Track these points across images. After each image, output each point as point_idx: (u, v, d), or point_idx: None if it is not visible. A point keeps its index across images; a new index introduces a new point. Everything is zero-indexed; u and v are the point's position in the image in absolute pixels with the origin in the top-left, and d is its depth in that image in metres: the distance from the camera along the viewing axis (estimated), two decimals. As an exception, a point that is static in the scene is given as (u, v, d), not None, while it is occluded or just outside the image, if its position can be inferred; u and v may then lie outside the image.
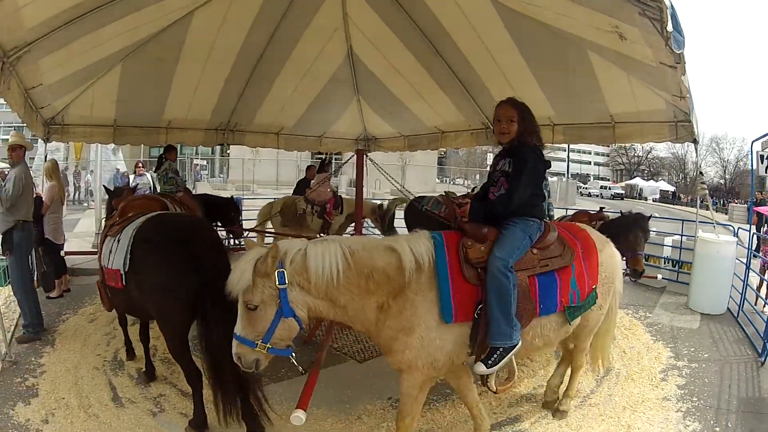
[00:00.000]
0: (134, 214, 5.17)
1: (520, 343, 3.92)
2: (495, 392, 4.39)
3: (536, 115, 8.76)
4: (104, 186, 10.07)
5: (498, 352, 3.87)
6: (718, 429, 4.87)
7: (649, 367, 6.18)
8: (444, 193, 9.38)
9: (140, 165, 14.02)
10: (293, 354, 3.70)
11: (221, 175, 30.25)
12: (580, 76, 7.13)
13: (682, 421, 4.99)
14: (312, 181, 11.55)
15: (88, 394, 5.23)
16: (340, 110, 11.61)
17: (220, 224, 10.46)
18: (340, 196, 11.45)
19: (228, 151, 34.92)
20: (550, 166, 4.52)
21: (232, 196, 11.45)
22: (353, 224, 10.20)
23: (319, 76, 9.83)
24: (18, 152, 6.71)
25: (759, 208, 10.66)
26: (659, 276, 5.71)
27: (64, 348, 6.30)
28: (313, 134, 12.45)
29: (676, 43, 4.07)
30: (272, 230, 10.36)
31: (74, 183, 25.07)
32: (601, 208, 7.21)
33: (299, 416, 3.67)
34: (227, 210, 10.70)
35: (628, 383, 5.80)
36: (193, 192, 10.72)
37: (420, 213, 9.03)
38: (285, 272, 3.45)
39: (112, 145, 13.58)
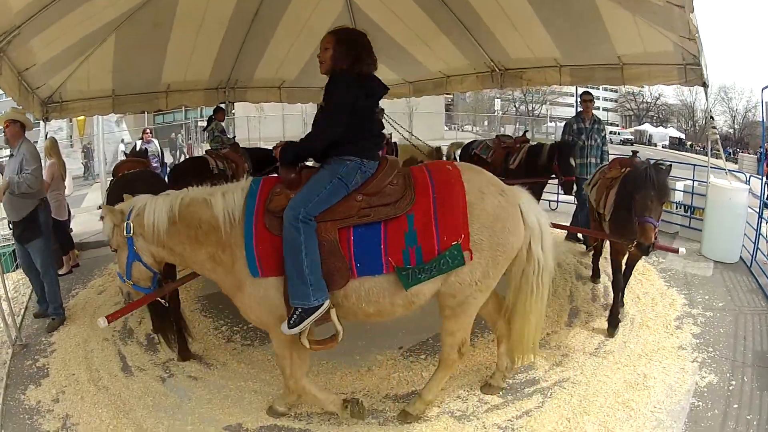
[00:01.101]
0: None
1: (325, 306, 3.56)
2: (310, 348, 3.88)
3: (541, 57, 8.94)
4: (123, 152, 10.08)
5: (297, 313, 3.55)
6: (734, 382, 4.64)
7: (663, 314, 5.99)
8: (497, 137, 9.52)
9: (147, 132, 13.53)
10: (153, 292, 4.09)
11: (227, 136, 30.08)
12: (586, 16, 7.01)
13: (698, 372, 4.79)
14: None
15: (98, 367, 5.18)
16: None
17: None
18: (395, 142, 10.99)
19: (233, 111, 34.78)
20: (379, 92, 3.95)
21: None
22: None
23: (317, 27, 9.21)
24: (12, 128, 6.15)
25: (775, 151, 10.32)
26: (682, 249, 4.95)
27: (74, 323, 6.20)
28: (315, 85, 12.11)
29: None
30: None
31: (85, 159, 24.36)
32: (634, 153, 6.80)
33: (100, 322, 3.79)
34: (272, 160, 10.38)
35: (643, 330, 5.64)
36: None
37: (470, 158, 9.16)
38: (131, 224, 3.81)
39: (115, 117, 13.40)
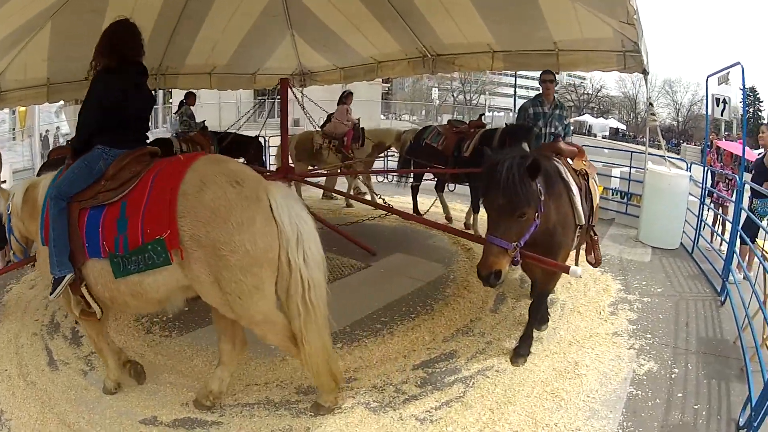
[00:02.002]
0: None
1: (67, 278, 3.61)
2: (78, 318, 3.92)
3: (474, 42, 8.67)
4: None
5: (52, 282, 3.68)
6: (677, 370, 4.52)
7: (596, 300, 5.88)
8: (448, 122, 9.26)
9: None
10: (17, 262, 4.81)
11: (164, 126, 29.60)
12: (522, 1, 6.96)
13: (636, 360, 4.65)
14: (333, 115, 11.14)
15: (27, 362, 4.99)
16: (273, 46, 11.47)
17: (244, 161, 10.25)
18: (362, 128, 10.91)
19: (170, 100, 34.46)
20: (135, 82, 4.05)
21: (257, 135, 11.20)
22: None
23: (250, 12, 9.57)
24: None
25: (720, 143, 10.41)
26: (576, 270, 4.42)
27: (7, 318, 6.00)
28: (246, 71, 12.28)
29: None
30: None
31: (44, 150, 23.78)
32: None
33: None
34: (248, 147, 10.58)
35: (574, 316, 5.52)
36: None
37: (421, 147, 8.90)
38: (10, 203, 4.12)
39: (55, 107, 13.00)
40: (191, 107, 10.89)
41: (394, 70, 11.16)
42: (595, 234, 5.31)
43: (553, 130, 7.12)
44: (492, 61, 8.96)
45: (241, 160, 9.98)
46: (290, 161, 9.73)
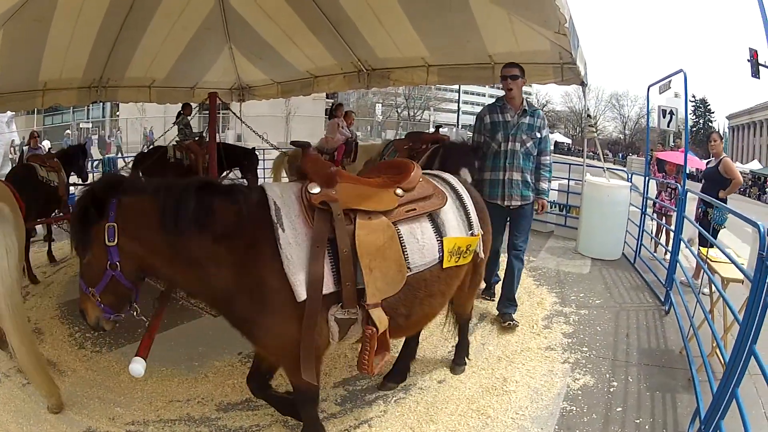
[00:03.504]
0: None
1: None
2: None
3: (409, 56, 8.57)
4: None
5: None
6: (615, 383, 4.44)
7: (530, 314, 5.81)
8: (407, 135, 8.71)
9: (36, 135, 12.16)
10: None
11: (111, 139, 29.61)
12: (456, 13, 6.84)
13: (570, 374, 4.56)
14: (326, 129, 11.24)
15: None
16: (212, 59, 11.37)
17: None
18: (356, 143, 10.84)
19: (117, 113, 34.37)
20: None
21: (254, 147, 11.43)
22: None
23: (189, 24, 9.41)
24: None
25: (659, 154, 10.58)
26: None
27: None
28: (185, 85, 12.13)
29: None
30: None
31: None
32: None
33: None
34: (242, 159, 10.72)
35: (503, 331, 5.40)
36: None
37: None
38: None
39: (6, 117, 12.73)
40: (188, 117, 11.28)
41: (330, 85, 11.11)
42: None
43: (518, 146, 5.54)
44: (427, 75, 8.85)
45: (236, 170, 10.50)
46: (285, 175, 10.16)
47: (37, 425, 4.08)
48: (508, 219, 5.72)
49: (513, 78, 5.53)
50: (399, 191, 3.47)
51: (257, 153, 11.23)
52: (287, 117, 31.97)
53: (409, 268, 3.32)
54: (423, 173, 3.84)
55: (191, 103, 11.62)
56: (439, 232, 3.53)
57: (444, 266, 3.52)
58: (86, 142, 11.87)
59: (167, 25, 9.07)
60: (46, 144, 13.16)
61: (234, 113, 8.57)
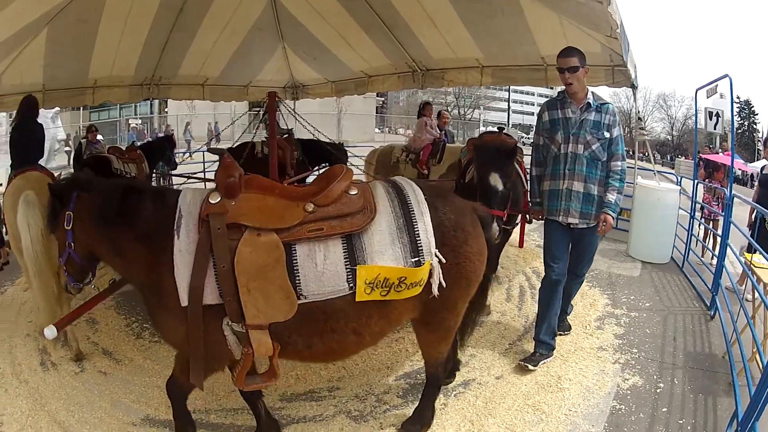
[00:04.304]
0: None
1: None
2: None
3: (463, 57, 8.60)
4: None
5: None
6: (662, 385, 4.49)
7: (583, 315, 5.85)
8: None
9: (94, 129, 11.86)
10: None
11: (160, 134, 30.16)
12: (509, 16, 6.87)
13: (620, 374, 4.62)
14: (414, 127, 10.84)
15: (21, 361, 5.15)
16: (265, 58, 11.49)
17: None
18: (444, 143, 9.83)
19: (166, 110, 34.62)
20: None
21: (341, 142, 11.32)
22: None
23: (241, 24, 9.59)
24: None
25: (707, 155, 10.47)
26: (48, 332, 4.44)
27: (0, 319, 6.13)
28: (238, 83, 12.36)
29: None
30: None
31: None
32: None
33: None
34: (330, 154, 10.28)
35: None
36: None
37: None
38: None
39: (51, 113, 13.09)
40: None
41: (384, 84, 11.15)
42: None
43: (580, 148, 4.65)
44: (481, 76, 8.84)
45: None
46: (372, 173, 9.85)
47: (91, 413, 4.23)
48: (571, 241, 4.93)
49: (572, 70, 4.57)
50: (310, 206, 3.13)
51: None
52: (338, 115, 31.93)
53: (302, 295, 3.03)
54: (381, 181, 3.56)
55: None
56: (353, 257, 3.06)
57: (357, 299, 3.07)
58: (171, 134, 12.05)
59: (219, 26, 9.26)
60: (99, 137, 13.45)
61: (290, 110, 8.58)
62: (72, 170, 9.28)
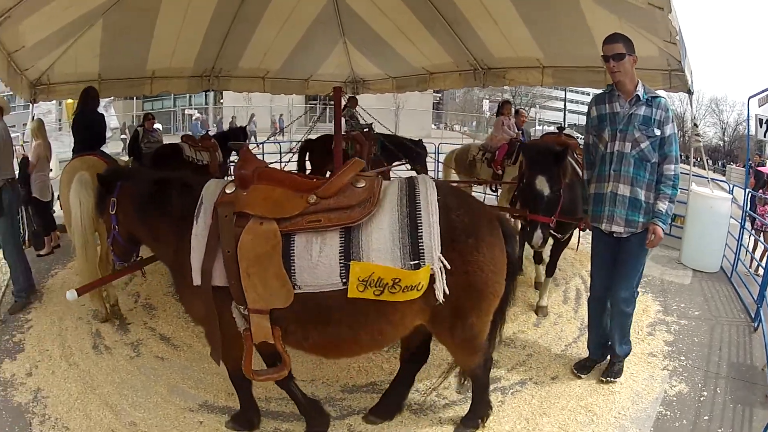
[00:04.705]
0: None
1: None
2: None
3: (524, 56, 8.68)
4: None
5: None
6: (705, 393, 4.51)
7: (636, 320, 5.77)
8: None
9: (151, 117, 11.47)
10: None
11: (214, 125, 30.35)
12: (568, 17, 6.92)
13: (668, 381, 4.67)
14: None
15: (71, 344, 5.29)
16: (326, 52, 11.60)
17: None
18: (520, 143, 9.26)
19: (221, 101, 34.97)
20: None
21: (420, 139, 11.38)
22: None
23: (302, 18, 9.71)
24: None
25: (760, 167, 10.34)
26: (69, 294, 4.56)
27: (51, 302, 6.30)
28: (299, 77, 12.49)
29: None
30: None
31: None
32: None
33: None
34: (410, 151, 10.65)
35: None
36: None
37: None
38: None
39: (104, 102, 13.38)
40: (353, 109, 11.47)
41: (446, 81, 11.15)
42: None
43: (628, 146, 4.20)
44: (542, 77, 8.82)
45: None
46: (452, 171, 10.12)
47: (146, 397, 4.36)
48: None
49: (617, 58, 4.15)
50: (312, 198, 3.17)
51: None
52: (396, 110, 31.92)
53: (296, 285, 3.09)
54: (401, 178, 3.45)
55: (354, 96, 12.06)
56: (348, 253, 3.05)
57: (349, 296, 3.04)
58: (249, 124, 12.31)
59: (280, 19, 9.40)
60: (157, 126, 13.67)
61: (348, 107, 8.68)
62: (128, 157, 9.73)
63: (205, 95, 33.97)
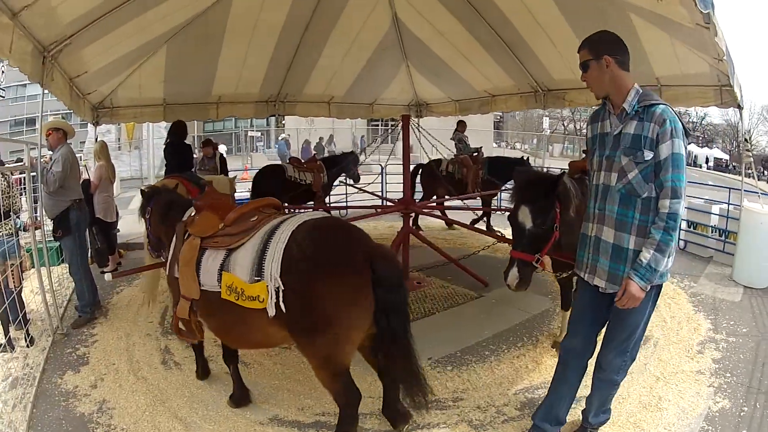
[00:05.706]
0: None
1: None
2: None
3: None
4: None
5: None
6: (746, 408, 4.67)
7: (687, 338, 6.02)
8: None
9: (211, 143, 11.24)
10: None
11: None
12: (622, 36, 6.85)
13: (713, 397, 4.83)
14: None
15: (139, 359, 5.61)
16: (390, 76, 11.76)
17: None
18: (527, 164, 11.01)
19: (283, 122, 35.48)
20: None
21: (522, 158, 12.32)
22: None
23: (366, 44, 9.95)
24: (55, 136, 6.68)
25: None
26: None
27: (117, 318, 6.67)
28: (364, 101, 12.72)
29: (702, 2, 4.08)
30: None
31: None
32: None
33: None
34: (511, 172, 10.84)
35: (664, 353, 5.68)
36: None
37: None
38: None
39: (164, 123, 14.02)
40: (462, 133, 12.24)
41: (507, 104, 11.30)
42: None
43: (613, 179, 3.40)
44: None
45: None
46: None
47: (216, 411, 4.62)
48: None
49: (582, 69, 3.54)
50: (220, 224, 4.18)
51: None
52: None
53: (201, 283, 4.05)
54: (293, 215, 4.12)
55: (464, 120, 12.44)
56: (223, 265, 3.92)
57: (222, 296, 3.88)
58: (357, 148, 12.83)
59: (344, 45, 9.65)
60: (222, 148, 14.06)
61: (414, 131, 8.86)
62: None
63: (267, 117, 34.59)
